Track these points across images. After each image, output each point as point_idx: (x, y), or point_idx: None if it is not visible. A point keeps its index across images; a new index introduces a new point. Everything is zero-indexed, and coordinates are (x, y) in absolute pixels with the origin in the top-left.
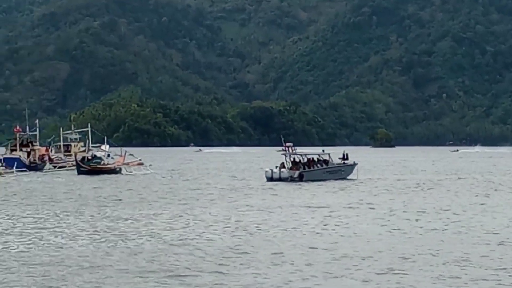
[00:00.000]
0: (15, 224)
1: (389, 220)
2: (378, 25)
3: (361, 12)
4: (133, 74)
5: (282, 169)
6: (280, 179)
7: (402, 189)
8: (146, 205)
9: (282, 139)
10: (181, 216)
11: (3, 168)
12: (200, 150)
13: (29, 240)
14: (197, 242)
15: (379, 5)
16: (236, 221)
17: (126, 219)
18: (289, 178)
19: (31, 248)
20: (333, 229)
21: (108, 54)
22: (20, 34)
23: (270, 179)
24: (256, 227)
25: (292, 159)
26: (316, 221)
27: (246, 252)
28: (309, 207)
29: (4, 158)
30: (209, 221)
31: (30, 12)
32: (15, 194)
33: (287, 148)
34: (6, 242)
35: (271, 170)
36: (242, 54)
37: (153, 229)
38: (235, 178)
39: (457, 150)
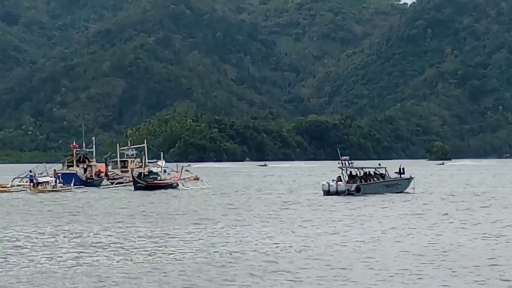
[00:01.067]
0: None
1: (471, 231)
2: (433, 38)
3: (416, 24)
4: (188, 89)
5: (339, 183)
6: (337, 193)
7: (464, 202)
8: (209, 220)
9: (339, 153)
10: (242, 230)
11: (61, 184)
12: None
13: (97, 254)
14: (266, 255)
15: (433, 17)
16: (316, 234)
17: (189, 233)
18: (346, 191)
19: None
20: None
21: (163, 69)
22: (75, 51)
23: (327, 192)
24: (340, 241)
25: (348, 173)
26: (398, 232)
27: (344, 268)
28: (380, 217)
29: (62, 174)
30: (274, 235)
31: (86, 29)
32: (77, 209)
33: (343, 162)
34: (79, 257)
35: (328, 183)
36: (296, 68)
37: (225, 242)
38: (293, 192)
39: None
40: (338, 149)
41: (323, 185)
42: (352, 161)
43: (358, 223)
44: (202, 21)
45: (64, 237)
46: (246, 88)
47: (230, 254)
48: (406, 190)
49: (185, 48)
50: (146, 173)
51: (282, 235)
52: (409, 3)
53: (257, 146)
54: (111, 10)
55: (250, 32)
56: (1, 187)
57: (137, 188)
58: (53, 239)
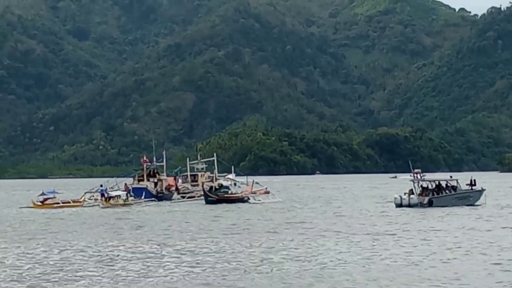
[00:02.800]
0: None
1: None
2: (503, 49)
3: (486, 36)
4: (258, 103)
5: (411, 196)
6: (409, 205)
7: None
8: (289, 232)
9: (411, 165)
10: (318, 243)
11: (132, 198)
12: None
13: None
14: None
15: (504, 28)
16: (413, 246)
17: (271, 247)
18: (419, 204)
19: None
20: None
21: (232, 83)
22: (146, 65)
23: (399, 205)
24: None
25: (420, 185)
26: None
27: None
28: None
29: (132, 188)
30: (366, 246)
31: (156, 44)
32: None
33: (415, 175)
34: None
35: (400, 196)
36: (366, 81)
37: (320, 254)
38: (364, 205)
39: None
40: (409, 162)
41: (395, 198)
42: (423, 174)
43: (441, 235)
44: (272, 34)
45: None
46: (316, 101)
47: (330, 266)
48: (477, 202)
49: (255, 62)
50: (217, 187)
51: (381, 248)
52: (479, 15)
53: (327, 159)
54: (181, 24)
55: (320, 45)
56: (74, 201)
57: (208, 202)
58: (155, 251)
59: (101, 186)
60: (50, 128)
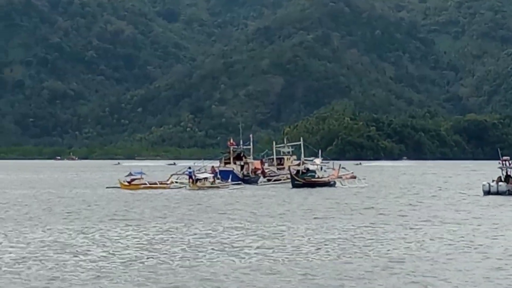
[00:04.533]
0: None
1: None
2: None
3: None
4: (346, 87)
5: (500, 183)
6: (497, 193)
7: None
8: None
9: (499, 152)
10: (409, 229)
11: (219, 180)
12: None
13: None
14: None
15: None
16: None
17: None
18: (507, 191)
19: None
20: None
21: (321, 67)
22: (235, 48)
23: (487, 192)
24: None
25: (507, 173)
26: None
27: None
28: None
29: (220, 171)
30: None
31: (245, 27)
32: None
33: (504, 162)
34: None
35: (489, 183)
36: (455, 67)
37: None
38: (451, 192)
39: None
40: (498, 149)
41: (483, 185)
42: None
43: None
44: (361, 19)
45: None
46: (404, 87)
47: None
48: None
49: (344, 46)
50: (303, 171)
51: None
52: None
53: (415, 145)
54: (271, 7)
55: (409, 30)
56: (161, 183)
57: (294, 185)
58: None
59: (189, 168)
60: (138, 109)
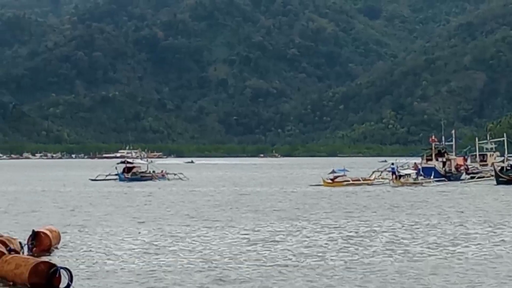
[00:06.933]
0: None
1: None
2: None
3: None
4: None
5: None
6: None
7: None
8: None
9: None
10: None
11: (422, 177)
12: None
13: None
14: None
15: None
16: None
17: None
18: None
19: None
20: None
21: None
22: (436, 44)
23: None
24: None
25: None
26: None
27: None
28: None
29: (422, 168)
30: None
31: (447, 23)
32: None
33: None
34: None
35: None
36: None
37: None
38: None
39: None
40: None
41: None
42: None
43: None
44: None
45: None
46: None
47: None
48: None
49: None
50: (508, 168)
51: None
52: None
53: None
54: (473, 3)
55: None
56: (364, 180)
57: (499, 182)
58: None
59: (392, 164)
60: (340, 106)
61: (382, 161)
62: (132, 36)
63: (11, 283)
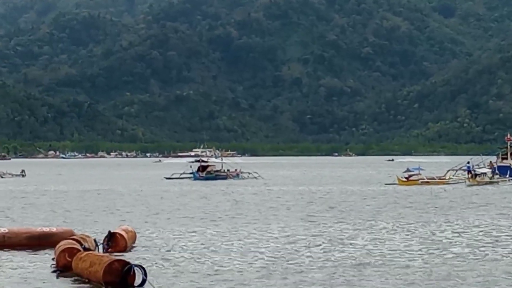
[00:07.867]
0: None
1: None
2: None
3: None
4: None
5: None
6: None
7: None
8: None
9: None
10: None
11: (497, 176)
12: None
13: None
14: None
15: None
16: None
17: None
18: None
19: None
20: None
21: None
22: None
23: None
24: None
25: None
26: None
27: None
28: None
29: (497, 166)
30: None
31: None
32: None
33: None
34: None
35: None
36: None
37: None
38: None
39: None
40: None
41: None
42: None
43: None
44: None
45: None
46: None
47: None
48: None
49: None
50: None
51: None
52: None
53: None
54: None
55: None
56: (439, 179)
57: None
58: None
59: (468, 163)
60: (414, 105)
61: (389, 160)
62: (206, 35)
63: (86, 280)
